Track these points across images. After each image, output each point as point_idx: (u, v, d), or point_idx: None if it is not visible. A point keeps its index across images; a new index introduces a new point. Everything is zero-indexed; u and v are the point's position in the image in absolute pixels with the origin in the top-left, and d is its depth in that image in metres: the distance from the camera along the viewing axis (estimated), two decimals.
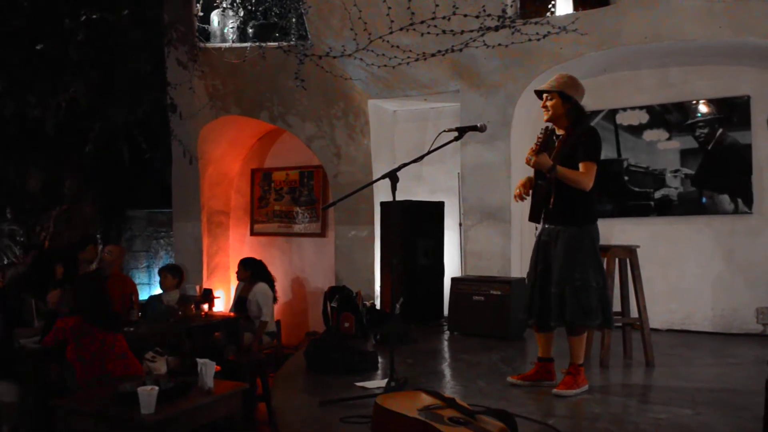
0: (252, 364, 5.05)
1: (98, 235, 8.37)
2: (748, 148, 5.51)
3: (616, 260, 4.32)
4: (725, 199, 5.60)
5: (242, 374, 4.76)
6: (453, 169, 6.42)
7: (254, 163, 8.05)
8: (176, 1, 7.03)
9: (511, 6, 5.67)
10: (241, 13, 6.97)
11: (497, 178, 5.89)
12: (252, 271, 5.98)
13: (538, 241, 3.72)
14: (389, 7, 5.77)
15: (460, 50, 5.82)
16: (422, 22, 5.81)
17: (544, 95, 3.67)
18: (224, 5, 7.09)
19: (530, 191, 3.73)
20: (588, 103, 3.81)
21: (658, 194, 5.83)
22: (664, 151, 5.82)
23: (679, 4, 5.06)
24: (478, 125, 3.61)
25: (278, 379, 4.28)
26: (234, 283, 6.54)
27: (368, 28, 5.98)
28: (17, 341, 4.28)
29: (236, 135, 7.67)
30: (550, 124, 3.67)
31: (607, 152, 5.78)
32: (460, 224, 6.32)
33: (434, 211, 6.35)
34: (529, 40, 5.51)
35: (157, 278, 6.29)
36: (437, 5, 5.67)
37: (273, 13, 6.69)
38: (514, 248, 5.92)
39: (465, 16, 5.66)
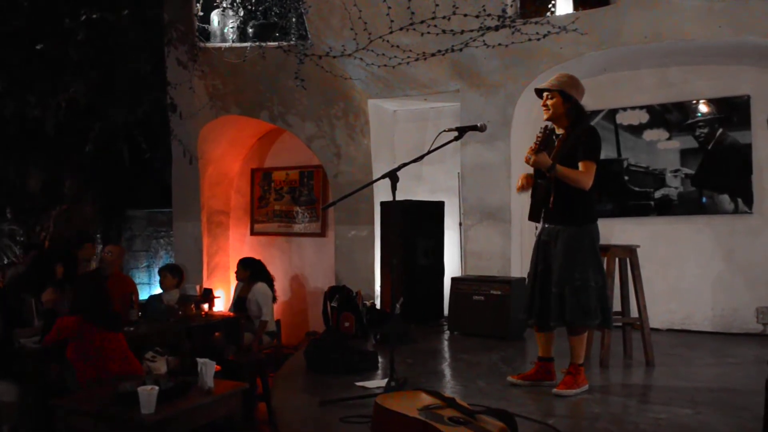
0: (252, 364, 5.05)
1: (98, 235, 8.37)
2: (748, 148, 5.51)
3: (616, 260, 4.32)
4: (725, 199, 5.60)
5: (242, 374, 4.76)
6: (453, 169, 6.42)
7: (254, 162, 8.05)
8: (176, 1, 7.03)
9: (511, 6, 5.67)
10: (241, 13, 6.97)
11: (497, 178, 5.89)
12: (251, 271, 5.98)
13: (538, 240, 3.72)
14: (389, 7, 5.78)
15: (460, 50, 5.82)
16: (422, 22, 5.81)
17: (545, 94, 3.67)
18: (224, 5, 7.09)
19: (530, 195, 3.74)
20: (588, 103, 3.81)
21: (658, 194, 5.83)
22: (664, 150, 5.82)
23: (679, 4, 5.06)
24: (478, 125, 3.60)
25: (278, 379, 4.28)
26: (234, 283, 6.54)
27: (368, 28, 5.98)
28: (17, 341, 4.28)
29: (236, 135, 7.67)
30: (549, 123, 3.67)
31: (607, 152, 5.79)
32: (460, 224, 6.32)
33: (434, 211, 6.35)
34: (529, 39, 5.51)
35: (157, 278, 6.28)
36: (437, 5, 5.68)
37: (273, 13, 6.69)
38: (514, 248, 5.92)
39: (465, 15, 5.67)
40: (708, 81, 5.67)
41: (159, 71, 6.96)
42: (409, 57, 6.02)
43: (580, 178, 3.48)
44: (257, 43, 6.60)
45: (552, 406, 3.32)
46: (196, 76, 7.02)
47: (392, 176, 3.48)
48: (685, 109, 5.73)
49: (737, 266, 5.57)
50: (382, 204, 6.31)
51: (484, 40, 5.71)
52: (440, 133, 3.63)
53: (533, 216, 3.72)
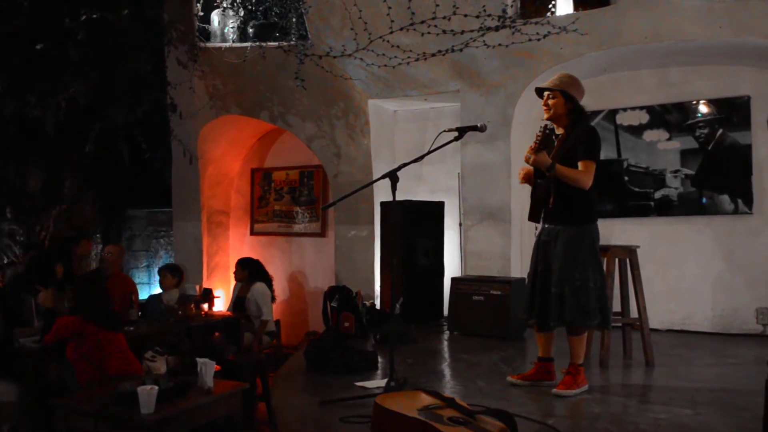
0: (252, 364, 5.04)
1: (98, 235, 8.38)
2: (748, 149, 5.51)
3: (616, 260, 4.32)
4: (725, 199, 5.60)
5: (242, 374, 4.76)
6: (453, 169, 6.42)
7: (254, 162, 8.05)
8: (176, 1, 7.03)
9: (512, 6, 5.67)
10: (242, 13, 6.97)
11: (497, 178, 5.89)
12: (250, 271, 5.98)
13: (537, 240, 3.72)
14: (389, 7, 5.78)
15: (461, 50, 5.82)
16: (422, 22, 5.81)
17: (545, 93, 3.66)
18: (224, 5, 7.09)
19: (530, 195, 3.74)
20: (588, 103, 3.81)
21: (658, 194, 5.83)
22: (664, 151, 5.82)
23: (679, 4, 5.06)
24: (478, 125, 3.61)
25: (278, 379, 4.28)
26: (233, 283, 6.54)
27: (368, 28, 5.98)
28: (17, 341, 4.28)
29: (236, 135, 7.67)
30: (549, 123, 3.67)
31: (607, 152, 5.79)
32: (460, 224, 6.32)
33: (434, 211, 6.35)
34: (530, 40, 5.51)
35: (157, 278, 6.28)
36: (437, 5, 5.68)
37: (273, 13, 6.70)
38: (514, 248, 5.92)
39: (465, 16, 5.67)
40: (708, 81, 5.67)
41: (159, 71, 6.96)
42: (409, 57, 6.02)
43: (580, 177, 3.48)
44: (257, 43, 6.60)
45: (552, 407, 3.32)
46: (196, 76, 7.02)
47: (392, 176, 3.48)
48: (685, 109, 5.73)
49: (737, 267, 5.57)
50: (382, 204, 6.31)
51: (484, 41, 5.71)
52: (440, 133, 3.63)
53: (533, 216, 3.72)
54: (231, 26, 7.09)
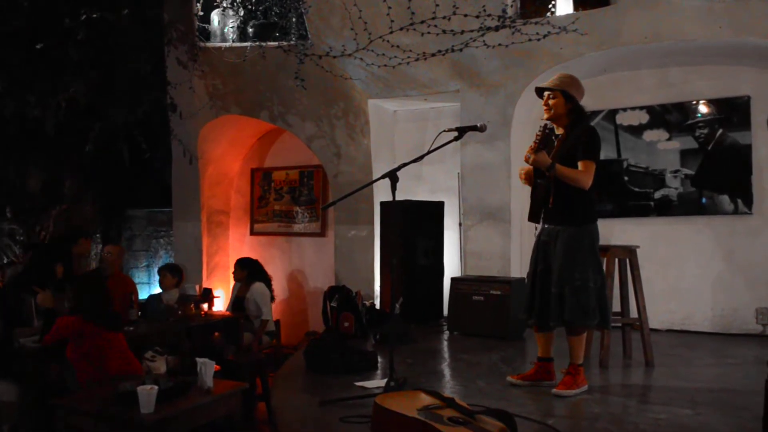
0: (252, 364, 5.04)
1: (98, 235, 8.37)
2: (748, 149, 5.51)
3: (616, 260, 4.32)
4: (725, 199, 5.60)
5: (242, 374, 4.76)
6: (453, 169, 6.42)
7: (254, 162, 8.05)
8: (176, 1, 7.03)
9: (512, 6, 5.67)
10: (242, 13, 6.97)
11: (497, 178, 5.89)
12: (248, 271, 5.98)
13: (537, 241, 3.72)
14: (389, 7, 5.78)
15: (460, 50, 5.82)
16: (422, 22, 5.81)
17: (546, 93, 3.66)
18: (224, 5, 7.09)
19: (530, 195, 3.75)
20: (588, 103, 3.81)
21: (657, 194, 5.83)
22: (664, 151, 5.82)
23: (679, 4, 5.06)
24: (478, 125, 3.61)
25: (278, 379, 4.28)
26: (233, 283, 6.54)
27: (368, 28, 5.98)
28: (17, 341, 4.28)
29: (236, 134, 7.67)
30: (548, 122, 3.67)
31: (607, 152, 5.79)
32: (460, 224, 6.32)
33: (434, 211, 6.35)
34: (530, 40, 5.51)
35: (157, 277, 6.28)
36: (437, 5, 5.68)
37: (273, 13, 6.70)
38: (514, 248, 5.92)
39: (465, 16, 5.67)
40: (708, 81, 5.67)
41: (159, 71, 6.96)
42: (409, 57, 6.02)
43: (580, 177, 3.48)
44: (257, 43, 6.60)
45: (551, 407, 3.32)
46: (196, 76, 7.02)
47: (392, 176, 3.48)
48: (685, 109, 5.73)
49: (737, 267, 5.57)
50: (382, 204, 6.31)
51: (484, 41, 5.71)
52: (440, 133, 3.63)
53: (533, 217, 3.72)
54: (231, 26, 7.09)
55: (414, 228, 6.08)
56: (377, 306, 6.20)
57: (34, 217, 7.82)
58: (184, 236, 7.63)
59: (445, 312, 6.07)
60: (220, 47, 6.94)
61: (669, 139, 5.79)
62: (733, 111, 5.55)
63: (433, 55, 5.93)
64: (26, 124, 6.77)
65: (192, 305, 5.55)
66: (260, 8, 6.82)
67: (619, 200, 5.95)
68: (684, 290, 5.71)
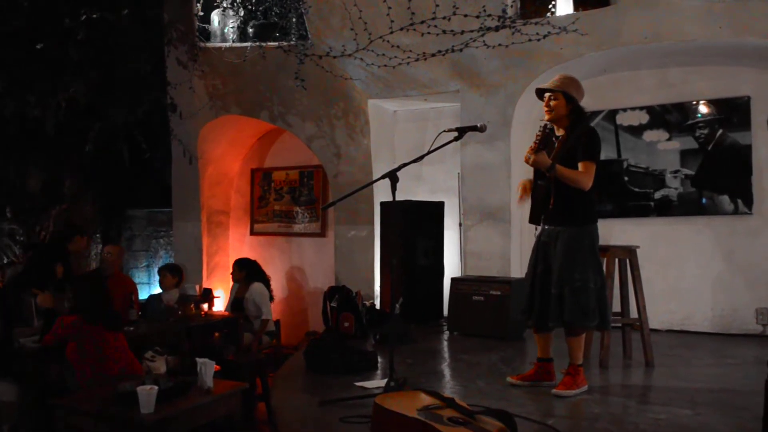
0: (251, 364, 5.05)
1: (98, 235, 8.37)
2: (748, 149, 5.51)
3: (616, 260, 4.32)
4: (725, 199, 5.60)
5: (242, 374, 4.76)
6: (453, 169, 6.42)
7: (254, 162, 8.05)
8: (176, 1, 7.03)
9: (512, 6, 5.68)
10: (242, 13, 6.97)
11: (497, 178, 5.89)
12: (247, 272, 5.97)
13: (537, 241, 3.71)
14: (389, 7, 5.78)
15: (460, 50, 5.82)
16: (422, 22, 5.81)
17: (547, 95, 3.66)
18: (224, 5, 7.09)
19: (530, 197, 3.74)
20: (588, 103, 3.81)
21: (658, 195, 5.83)
22: (664, 151, 5.82)
23: (679, 4, 5.06)
24: (478, 125, 3.60)
25: (278, 379, 4.28)
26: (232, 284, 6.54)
27: (368, 28, 5.98)
28: (17, 341, 4.28)
29: (236, 135, 7.67)
30: (548, 123, 3.66)
31: (607, 153, 5.79)
32: (460, 224, 6.32)
33: (434, 211, 6.35)
34: (530, 40, 5.52)
35: (157, 277, 6.29)
36: (437, 5, 5.68)
37: (273, 13, 6.70)
38: (514, 248, 5.92)
39: (465, 16, 5.67)
40: (708, 82, 5.67)
41: (159, 71, 6.96)
42: (409, 57, 6.02)
43: (580, 178, 3.48)
44: (257, 43, 6.60)
45: (551, 407, 3.32)
46: (196, 76, 7.02)
47: (392, 176, 3.48)
48: (685, 109, 5.73)
49: (737, 267, 5.57)
50: (382, 204, 6.31)
51: (484, 41, 5.71)
52: (440, 134, 3.63)
53: (533, 218, 3.72)
54: (231, 26, 7.09)
55: (414, 228, 6.08)
56: (377, 306, 6.20)
57: (34, 217, 7.82)
58: (184, 236, 7.63)
59: (445, 312, 6.07)
60: (220, 47, 6.94)
61: (669, 140, 5.79)
62: (733, 111, 5.55)
63: (433, 55, 5.94)
64: (26, 124, 6.77)
65: (192, 305, 5.55)
66: (260, 8, 6.82)
67: (619, 200, 5.95)
68: (684, 290, 5.71)
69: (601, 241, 3.71)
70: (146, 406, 2.86)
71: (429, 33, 5.85)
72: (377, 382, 3.69)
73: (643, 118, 5.89)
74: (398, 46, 5.98)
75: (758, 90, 5.48)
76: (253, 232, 8.00)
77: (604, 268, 3.86)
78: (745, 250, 5.54)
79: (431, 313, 6.16)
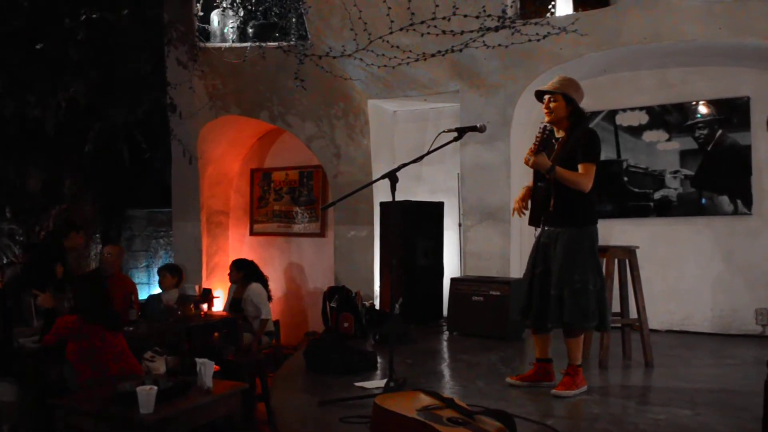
0: (251, 364, 5.05)
1: (98, 235, 8.37)
2: (748, 149, 5.51)
3: (616, 261, 4.32)
4: (725, 200, 5.60)
5: (241, 374, 4.76)
6: (453, 169, 6.42)
7: (254, 163, 8.06)
8: (176, 1, 7.03)
9: (511, 6, 5.68)
10: (241, 13, 6.97)
11: (497, 178, 5.89)
12: (244, 273, 5.96)
13: (537, 242, 3.72)
14: (389, 7, 5.78)
15: (460, 50, 5.82)
16: (422, 23, 5.81)
17: (547, 97, 3.66)
18: (224, 5, 7.09)
19: (529, 199, 3.74)
20: (588, 103, 3.81)
21: (657, 195, 5.83)
22: (663, 152, 5.82)
23: (679, 5, 5.06)
24: (478, 125, 3.61)
25: (277, 379, 4.28)
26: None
27: (368, 29, 5.98)
28: (17, 341, 4.28)
29: (236, 135, 7.67)
30: (547, 124, 3.66)
31: (606, 153, 5.79)
32: (460, 224, 6.32)
33: (434, 212, 6.35)
34: (529, 40, 5.52)
35: (157, 278, 6.29)
36: (437, 5, 5.68)
37: (273, 13, 6.70)
38: (514, 249, 5.93)
39: (465, 16, 5.67)
40: (708, 82, 5.67)
41: (159, 71, 6.96)
42: (409, 57, 6.02)
43: (580, 180, 3.48)
44: (257, 43, 6.60)
45: (551, 407, 3.32)
46: (196, 76, 7.03)
47: (392, 177, 3.48)
48: (685, 110, 5.73)
49: (736, 267, 5.57)
50: (382, 204, 6.31)
51: (484, 41, 5.71)
52: (440, 134, 3.63)
53: (533, 220, 3.72)
54: (231, 26, 7.10)
55: (414, 228, 6.08)
56: (377, 306, 6.20)
57: (34, 217, 7.82)
58: (183, 236, 7.63)
59: (445, 312, 6.07)
60: (220, 47, 6.94)
61: (669, 140, 5.79)
62: (733, 112, 5.55)
63: (433, 55, 5.94)
64: (26, 124, 6.77)
65: (191, 305, 5.56)
66: (260, 9, 6.82)
67: (618, 201, 5.95)
68: (683, 291, 5.71)
69: (601, 242, 3.72)
70: (146, 406, 2.86)
71: (429, 33, 5.85)
72: (377, 383, 3.69)
73: (643, 118, 5.89)
74: (398, 47, 5.98)
75: (758, 90, 5.49)
76: (252, 233, 8.00)
77: (604, 269, 3.86)
78: (745, 250, 5.54)
79: (431, 313, 6.16)
